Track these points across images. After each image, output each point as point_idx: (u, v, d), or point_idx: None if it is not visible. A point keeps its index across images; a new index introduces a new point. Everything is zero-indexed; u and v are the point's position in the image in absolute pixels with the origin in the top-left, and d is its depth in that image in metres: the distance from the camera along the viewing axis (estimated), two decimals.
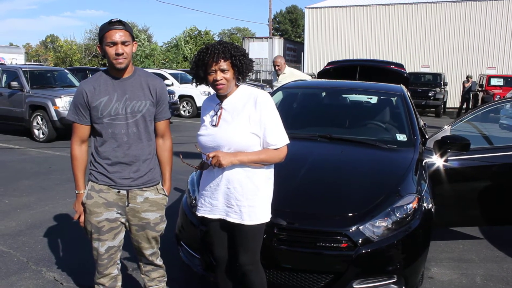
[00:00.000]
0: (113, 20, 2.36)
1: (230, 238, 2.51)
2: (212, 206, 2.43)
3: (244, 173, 2.33)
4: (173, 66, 32.64)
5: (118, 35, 2.33)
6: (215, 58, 2.23)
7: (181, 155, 2.41)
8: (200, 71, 2.31)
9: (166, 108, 2.60)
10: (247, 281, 2.48)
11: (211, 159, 2.23)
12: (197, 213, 2.53)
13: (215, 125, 2.35)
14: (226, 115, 2.34)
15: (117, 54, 2.35)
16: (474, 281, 3.70)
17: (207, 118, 2.42)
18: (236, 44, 2.37)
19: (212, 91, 2.42)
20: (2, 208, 5.24)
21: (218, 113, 2.36)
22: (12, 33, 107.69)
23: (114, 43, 2.34)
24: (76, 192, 2.55)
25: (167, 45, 37.97)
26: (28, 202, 5.47)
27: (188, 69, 22.04)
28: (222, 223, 2.44)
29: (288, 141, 2.38)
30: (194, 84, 2.45)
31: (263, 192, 2.39)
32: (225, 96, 2.37)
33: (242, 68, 2.30)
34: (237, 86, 2.40)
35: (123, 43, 2.35)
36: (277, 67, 6.88)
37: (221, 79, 2.26)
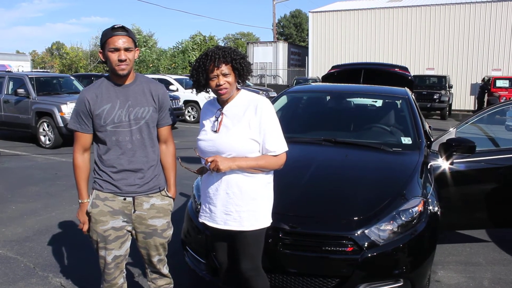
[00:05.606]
0: (116, 26, 2.34)
1: (230, 244, 2.50)
2: (211, 213, 2.42)
3: (243, 178, 2.32)
4: (178, 72, 32.81)
5: (121, 41, 2.32)
6: (216, 63, 2.22)
7: (180, 159, 2.41)
8: (201, 77, 2.29)
9: (168, 114, 2.59)
10: (250, 287, 2.48)
11: (209, 163, 2.23)
12: (199, 218, 2.53)
13: (215, 131, 2.34)
14: (227, 121, 2.34)
15: (120, 61, 2.33)
16: (481, 284, 3.67)
17: (207, 123, 2.41)
18: (234, 47, 2.37)
19: (214, 96, 2.42)
20: (9, 214, 5.27)
21: (219, 119, 2.35)
22: (18, 41, 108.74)
23: (117, 49, 2.32)
24: (80, 201, 2.51)
25: (173, 50, 38.19)
26: (34, 208, 5.50)
27: None
28: (222, 230, 2.43)
29: (287, 149, 2.36)
30: (194, 91, 2.44)
31: (262, 196, 2.38)
32: (226, 101, 2.36)
33: (243, 71, 2.29)
34: (238, 90, 2.40)
35: (126, 49, 2.33)
36: None
37: (224, 83, 2.25)
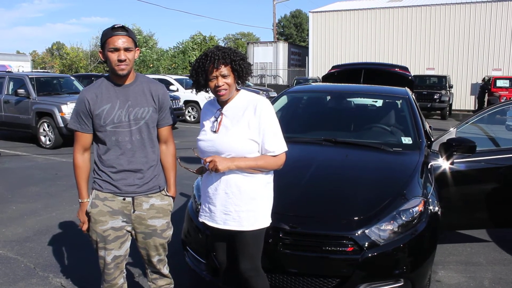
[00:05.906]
0: (116, 26, 2.34)
1: (230, 244, 2.49)
2: (210, 212, 2.42)
3: (242, 178, 2.31)
4: (178, 72, 32.82)
5: (121, 41, 2.31)
6: (216, 64, 2.22)
7: (179, 159, 2.41)
8: (200, 78, 2.29)
9: (168, 114, 2.58)
10: (250, 287, 2.47)
11: (208, 163, 2.23)
12: (199, 218, 2.53)
13: (215, 131, 2.34)
14: (226, 121, 2.33)
15: (120, 61, 2.32)
16: (482, 284, 3.66)
17: (207, 124, 2.41)
18: (234, 48, 2.37)
19: (214, 96, 2.42)
20: (10, 214, 5.27)
21: (219, 119, 2.35)
22: (18, 41, 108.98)
23: (117, 49, 2.31)
24: (80, 201, 2.51)
25: (174, 50, 38.22)
26: (35, 208, 5.50)
27: None
28: (222, 230, 2.43)
29: (286, 149, 2.36)
30: (194, 91, 2.44)
31: (262, 196, 2.37)
32: (225, 102, 2.35)
33: (242, 72, 2.29)
34: (238, 90, 2.39)
35: (125, 49, 2.33)
36: None
37: (223, 85, 2.25)
